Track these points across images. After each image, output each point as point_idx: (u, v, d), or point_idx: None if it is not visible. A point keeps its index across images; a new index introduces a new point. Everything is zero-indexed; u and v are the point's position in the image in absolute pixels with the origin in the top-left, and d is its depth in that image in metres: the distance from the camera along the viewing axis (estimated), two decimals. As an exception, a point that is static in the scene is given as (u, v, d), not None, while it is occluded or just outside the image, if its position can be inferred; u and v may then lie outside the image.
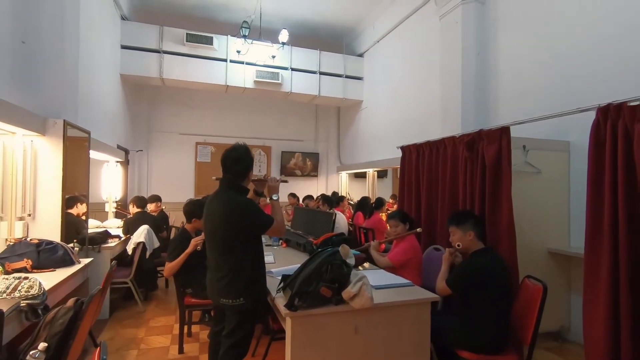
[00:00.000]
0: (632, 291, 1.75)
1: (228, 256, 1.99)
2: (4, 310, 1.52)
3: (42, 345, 1.56)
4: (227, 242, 1.98)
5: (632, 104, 1.77)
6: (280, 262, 2.87)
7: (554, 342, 3.03)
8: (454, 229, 2.32)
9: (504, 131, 2.58)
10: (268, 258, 2.91)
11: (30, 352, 1.55)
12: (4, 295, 1.77)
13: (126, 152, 6.05)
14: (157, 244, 4.01)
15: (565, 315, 3.09)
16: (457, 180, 3.04)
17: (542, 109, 3.35)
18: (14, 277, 1.91)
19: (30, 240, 2.47)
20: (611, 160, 1.83)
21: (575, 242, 3.06)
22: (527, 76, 3.65)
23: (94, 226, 4.20)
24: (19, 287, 1.83)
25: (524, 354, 2.08)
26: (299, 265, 2.06)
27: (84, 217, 3.51)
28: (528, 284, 2.20)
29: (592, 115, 2.04)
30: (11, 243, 2.49)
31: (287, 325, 1.80)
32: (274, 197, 2.17)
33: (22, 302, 1.76)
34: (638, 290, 1.75)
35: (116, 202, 5.36)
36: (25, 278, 1.90)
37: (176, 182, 7.28)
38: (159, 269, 4.45)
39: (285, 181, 2.50)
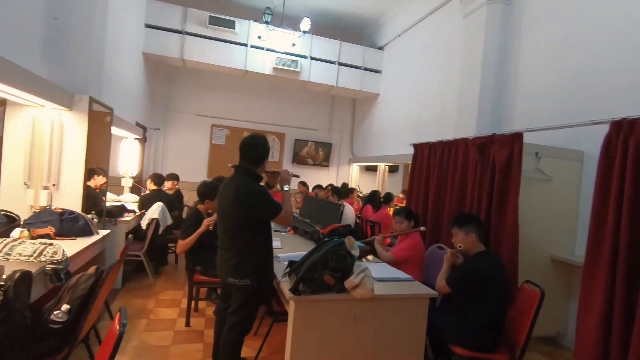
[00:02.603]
0: (626, 304, 1.80)
1: (238, 239, 2.10)
2: (32, 272, 1.64)
3: (65, 306, 1.70)
4: (238, 225, 2.08)
5: (645, 120, 1.79)
6: (287, 247, 2.98)
7: (549, 347, 3.09)
8: (456, 230, 2.38)
9: (517, 137, 2.61)
10: (276, 243, 3.00)
11: (54, 312, 1.68)
12: (31, 258, 1.91)
13: (144, 129, 6.20)
14: (169, 221, 4.17)
15: (562, 322, 3.13)
16: (466, 182, 3.08)
17: (559, 116, 3.34)
18: (39, 243, 2.04)
19: (54, 209, 2.62)
20: (619, 175, 1.85)
21: (579, 251, 3.08)
22: (546, 82, 3.62)
23: (110, 199, 4.36)
24: (44, 252, 1.96)
25: (516, 355, 2.15)
26: (304, 252, 2.16)
27: (98, 190, 3.65)
28: (526, 288, 2.25)
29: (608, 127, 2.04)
30: (36, 210, 2.64)
31: (290, 309, 1.90)
32: (285, 188, 2.27)
33: (47, 266, 1.89)
34: (632, 304, 1.79)
35: (132, 177, 5.53)
36: (50, 244, 2.04)
37: (190, 162, 7.43)
38: (170, 245, 4.61)
39: (297, 176, 2.62)
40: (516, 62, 3.99)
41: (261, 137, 2.19)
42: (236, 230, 2.10)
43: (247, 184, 2.09)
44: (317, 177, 7.95)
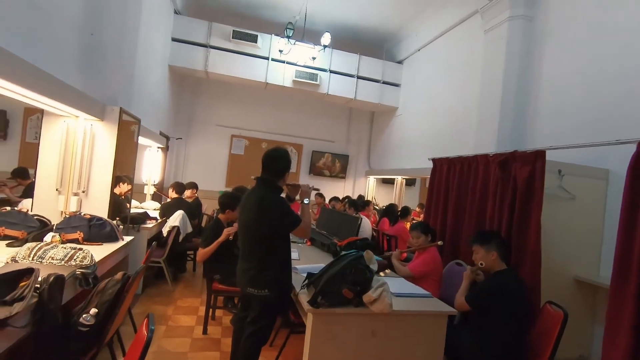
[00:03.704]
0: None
1: (257, 249, 2.15)
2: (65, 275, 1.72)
3: (93, 310, 1.77)
4: (258, 236, 2.13)
5: (674, 141, 1.76)
6: (304, 259, 3.00)
7: (572, 371, 2.99)
8: (477, 247, 2.36)
9: (539, 155, 2.58)
10: (293, 255, 3.04)
11: (83, 316, 1.75)
12: (62, 262, 1.99)
13: (167, 138, 6.39)
14: (190, 229, 4.26)
15: (587, 345, 3.02)
16: (487, 199, 3.04)
17: (582, 133, 3.28)
18: (70, 247, 2.13)
19: (84, 214, 2.73)
20: (647, 196, 1.81)
21: (604, 272, 2.99)
22: (569, 98, 3.56)
23: (133, 206, 4.49)
24: (75, 257, 2.05)
25: (537, 378, 2.10)
26: (322, 264, 2.19)
27: (123, 197, 3.77)
28: (549, 310, 2.21)
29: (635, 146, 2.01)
30: (67, 216, 2.76)
31: (308, 321, 1.92)
32: (305, 201, 2.31)
33: (77, 270, 1.97)
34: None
35: (154, 185, 5.69)
36: (80, 249, 2.12)
37: (209, 171, 7.59)
38: (189, 252, 4.70)
39: (317, 189, 2.67)
40: (538, 78, 3.95)
41: (283, 150, 2.25)
42: (256, 241, 2.15)
43: (268, 196, 2.14)
44: (333, 189, 7.99)
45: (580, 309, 2.98)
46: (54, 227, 2.57)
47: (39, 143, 2.94)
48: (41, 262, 1.96)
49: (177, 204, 4.44)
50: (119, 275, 1.93)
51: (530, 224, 2.58)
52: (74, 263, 2.00)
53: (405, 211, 5.13)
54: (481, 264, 2.33)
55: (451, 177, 3.62)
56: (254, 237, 2.16)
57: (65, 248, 2.11)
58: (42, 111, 2.87)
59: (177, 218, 4.05)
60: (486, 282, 2.32)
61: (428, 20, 6.20)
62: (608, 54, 3.25)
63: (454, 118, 5.32)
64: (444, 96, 5.71)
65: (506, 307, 2.13)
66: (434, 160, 4.05)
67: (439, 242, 2.94)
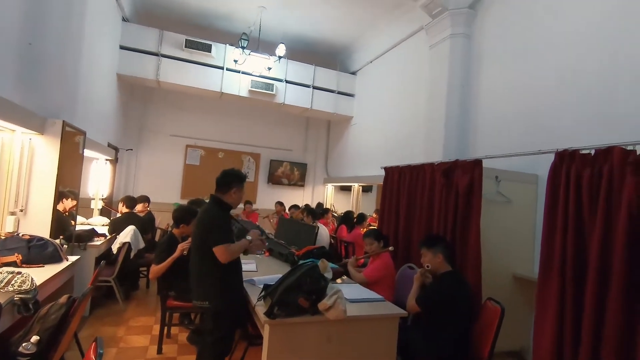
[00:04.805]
0: (575, 316, 1.98)
1: (199, 261, 2.21)
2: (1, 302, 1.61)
3: (34, 338, 1.67)
4: (198, 247, 2.21)
5: (583, 152, 2.02)
6: (262, 270, 3.01)
7: (514, 361, 3.24)
8: (424, 251, 2.52)
9: (477, 163, 2.81)
10: (251, 266, 3.05)
11: (23, 344, 1.65)
12: (-2, 288, 1.86)
13: (116, 150, 6.10)
14: (142, 245, 4.09)
15: (526, 336, 3.28)
16: (433, 204, 3.25)
17: (516, 142, 3.60)
18: (7, 272, 2.00)
19: (22, 235, 2.55)
20: (564, 201, 2.06)
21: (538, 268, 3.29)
22: (504, 110, 3.90)
23: (78, 222, 4.23)
24: (12, 282, 1.92)
25: (481, 370, 2.27)
26: (280, 274, 2.23)
27: (67, 214, 3.55)
28: (489, 306, 2.40)
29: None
30: (2, 237, 2.56)
31: (265, 332, 1.94)
32: (248, 237, 2.33)
33: (15, 296, 1.85)
34: (580, 316, 1.97)
35: (102, 199, 5.39)
36: (19, 273, 1.99)
37: (163, 182, 7.32)
38: (141, 269, 4.51)
39: (265, 242, 2.68)
40: (477, 92, 4.29)
41: (237, 170, 2.36)
42: (197, 252, 2.22)
43: (207, 209, 2.24)
44: (292, 197, 8.02)
45: (519, 304, 3.24)
46: (-13, 251, 2.38)
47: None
48: (-27, 289, 1.82)
49: (128, 219, 4.25)
50: (63, 299, 1.84)
51: (471, 227, 2.79)
52: (11, 288, 1.88)
53: (361, 218, 5.28)
54: (428, 267, 2.49)
55: (402, 185, 3.81)
56: (196, 248, 2.23)
57: (1, 273, 1.98)
58: (-28, 125, 2.66)
59: (127, 234, 3.88)
60: (433, 284, 2.48)
61: (378, 34, 6.49)
62: (535, 72, 3.61)
63: (405, 128, 5.59)
64: (395, 106, 5.98)
65: (452, 306, 2.29)
66: (385, 168, 4.23)
67: (390, 248, 3.09)
